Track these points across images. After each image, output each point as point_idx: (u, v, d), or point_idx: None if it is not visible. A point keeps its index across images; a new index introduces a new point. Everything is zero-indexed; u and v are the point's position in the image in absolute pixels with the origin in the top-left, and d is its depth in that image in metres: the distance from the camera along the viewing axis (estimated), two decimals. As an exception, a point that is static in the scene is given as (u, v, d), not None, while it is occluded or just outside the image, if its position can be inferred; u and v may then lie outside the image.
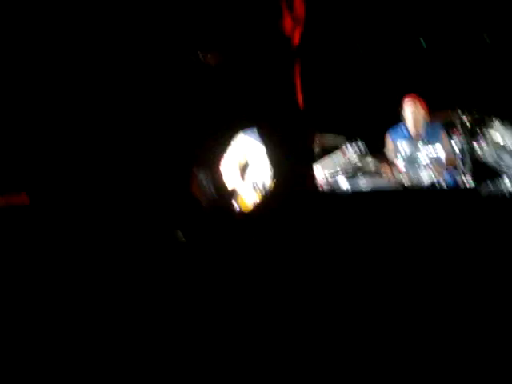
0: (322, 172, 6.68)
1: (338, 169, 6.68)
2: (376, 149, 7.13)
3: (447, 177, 6.68)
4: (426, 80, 8.14)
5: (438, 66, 8.30)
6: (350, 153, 6.68)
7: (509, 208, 5.43)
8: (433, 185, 6.49)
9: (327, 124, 7.29)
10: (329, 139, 6.84)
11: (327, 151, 6.87)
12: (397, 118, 7.39)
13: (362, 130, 7.28)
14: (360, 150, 6.71)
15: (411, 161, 6.88)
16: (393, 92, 7.83)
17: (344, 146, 6.72)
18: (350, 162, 6.68)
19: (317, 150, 6.71)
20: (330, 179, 6.65)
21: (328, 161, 6.75)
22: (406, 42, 8.36)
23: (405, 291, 3.93)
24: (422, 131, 7.18)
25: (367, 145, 6.80)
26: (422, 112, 7.18)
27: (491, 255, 4.43)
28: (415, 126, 7.19)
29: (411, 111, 7.21)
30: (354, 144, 6.71)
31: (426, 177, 6.61)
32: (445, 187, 6.34)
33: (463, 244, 4.62)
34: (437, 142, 6.96)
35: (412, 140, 7.10)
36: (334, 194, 6.08)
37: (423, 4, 8.09)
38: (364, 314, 3.77)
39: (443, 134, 7.06)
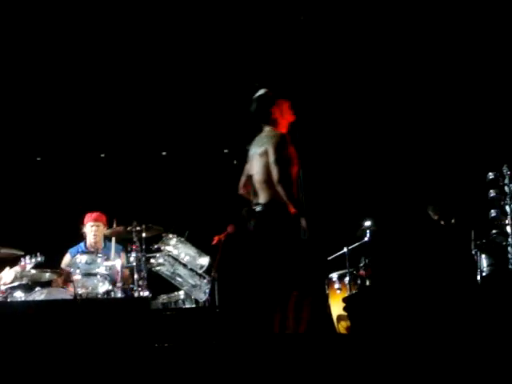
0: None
1: (15, 280, 6.65)
2: (54, 262, 7.25)
3: (122, 289, 6.83)
4: (108, 195, 8.37)
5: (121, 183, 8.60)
6: (28, 264, 6.66)
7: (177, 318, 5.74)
8: (107, 296, 6.62)
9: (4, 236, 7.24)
10: (5, 251, 6.78)
11: (4, 262, 6.78)
12: (78, 233, 7.48)
13: (41, 243, 7.31)
14: (37, 262, 6.72)
15: (89, 274, 6.89)
16: (76, 207, 7.93)
17: (22, 258, 6.68)
18: (27, 273, 6.67)
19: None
20: (5, 290, 6.58)
21: (5, 272, 6.69)
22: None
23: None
24: (100, 246, 7.41)
25: (45, 258, 6.84)
26: (101, 227, 7.43)
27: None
28: (95, 240, 7.42)
29: (91, 227, 7.42)
30: (32, 256, 6.72)
31: (102, 289, 6.69)
32: (119, 298, 6.52)
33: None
34: (115, 255, 7.10)
35: (91, 254, 7.18)
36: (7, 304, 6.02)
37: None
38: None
39: (121, 249, 7.34)
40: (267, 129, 5.57)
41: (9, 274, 6.65)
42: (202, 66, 8.28)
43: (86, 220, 7.47)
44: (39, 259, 6.76)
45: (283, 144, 5.41)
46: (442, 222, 7.51)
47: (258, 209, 5.43)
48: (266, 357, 4.85)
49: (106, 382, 4.77)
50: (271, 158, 5.36)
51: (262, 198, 5.44)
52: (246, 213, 5.56)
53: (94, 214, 7.46)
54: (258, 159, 5.47)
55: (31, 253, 6.77)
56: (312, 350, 4.93)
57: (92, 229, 7.41)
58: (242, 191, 5.77)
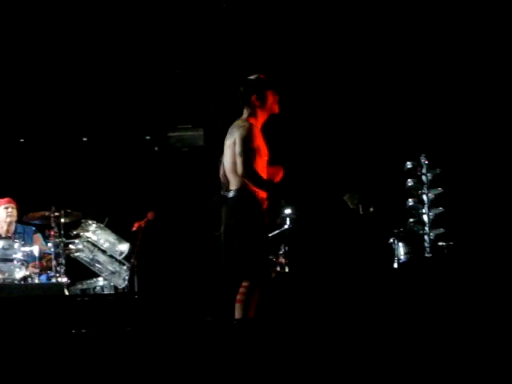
0: None
1: None
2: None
3: (40, 274, 6.79)
4: (26, 180, 8.25)
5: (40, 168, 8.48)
6: None
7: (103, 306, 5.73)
8: (25, 281, 6.55)
9: None
10: None
11: None
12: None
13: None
14: None
15: (5, 259, 6.79)
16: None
17: None
18: None
19: None
20: None
21: None
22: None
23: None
24: (11, 230, 7.28)
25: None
26: (15, 210, 7.31)
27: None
28: (10, 220, 7.27)
29: (6, 209, 7.30)
30: None
31: (19, 275, 6.61)
32: (33, 284, 6.46)
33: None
34: (29, 241, 7.07)
35: (8, 239, 7.09)
36: None
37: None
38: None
39: (36, 234, 7.29)
40: (241, 118, 5.61)
41: None
42: (125, 51, 8.21)
43: None
44: None
45: (250, 135, 5.43)
46: (361, 211, 7.64)
47: (229, 195, 5.47)
48: (184, 344, 4.89)
49: (21, 368, 4.72)
50: (237, 149, 5.42)
51: (233, 184, 5.49)
52: (217, 199, 5.60)
53: (5, 198, 7.36)
54: (228, 149, 5.55)
55: None
56: (221, 336, 4.97)
57: (7, 211, 7.28)
58: (222, 179, 5.70)
